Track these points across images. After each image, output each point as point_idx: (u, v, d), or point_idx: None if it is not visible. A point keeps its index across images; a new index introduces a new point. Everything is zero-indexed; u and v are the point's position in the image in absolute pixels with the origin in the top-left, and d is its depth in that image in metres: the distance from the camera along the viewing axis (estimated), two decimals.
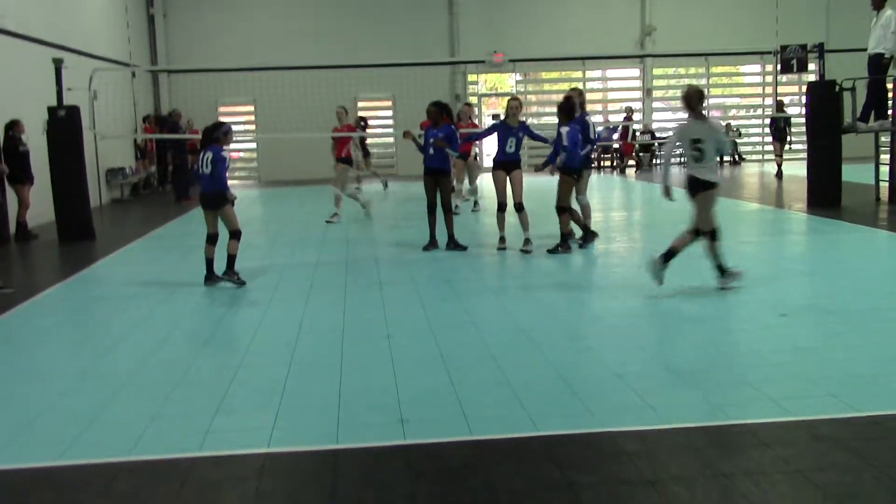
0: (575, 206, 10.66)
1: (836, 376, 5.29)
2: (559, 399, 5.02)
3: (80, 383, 5.71)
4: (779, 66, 16.06)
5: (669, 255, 7.67)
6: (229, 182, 8.86)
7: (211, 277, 8.82)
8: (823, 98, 13.87)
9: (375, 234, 12.91)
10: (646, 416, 4.68)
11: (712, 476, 3.89)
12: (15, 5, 14.63)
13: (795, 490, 3.78)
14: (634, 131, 24.79)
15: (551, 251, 10.16)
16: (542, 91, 27.99)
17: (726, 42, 22.95)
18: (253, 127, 24.26)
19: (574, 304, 7.85)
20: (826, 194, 13.70)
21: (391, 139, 25.76)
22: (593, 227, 11.03)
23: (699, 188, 7.62)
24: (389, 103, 25.17)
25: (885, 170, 14.35)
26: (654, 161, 25.25)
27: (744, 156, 25.72)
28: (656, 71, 26.58)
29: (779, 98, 22.50)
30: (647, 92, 26.28)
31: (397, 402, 5.02)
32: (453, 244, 10.64)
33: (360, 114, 22.17)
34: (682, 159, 7.80)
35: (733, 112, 27.85)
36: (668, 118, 27.33)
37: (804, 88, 16.60)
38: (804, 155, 16.41)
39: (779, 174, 20.33)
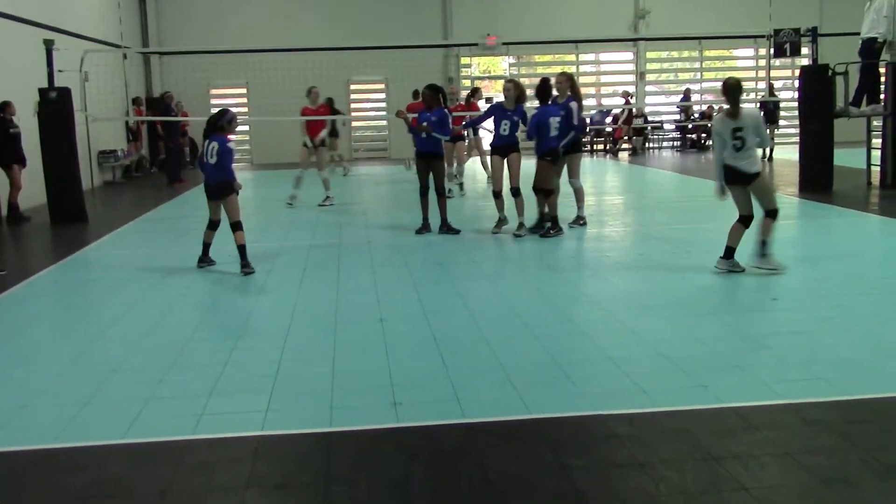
0: (567, 189, 10.68)
1: (825, 360, 5.33)
2: (552, 382, 5.06)
3: (74, 366, 5.72)
4: (772, 50, 16.03)
5: (764, 246, 7.71)
6: None
7: (205, 260, 8.82)
8: (816, 82, 13.89)
9: (368, 217, 12.91)
10: (637, 400, 4.71)
11: (702, 459, 3.93)
12: None
13: (784, 472, 3.83)
14: (632, 115, 24.75)
15: (544, 235, 10.18)
16: (536, 74, 27.83)
17: (720, 26, 22.92)
18: (245, 109, 24.16)
19: (567, 287, 7.88)
20: (818, 178, 13.74)
21: (384, 122, 25.71)
22: (585, 213, 11.05)
23: (745, 179, 7.63)
24: (382, 86, 25.09)
25: (876, 154, 14.39)
26: (646, 145, 25.26)
27: None
28: (650, 54, 26.53)
29: (770, 82, 22.48)
30: (641, 75, 26.25)
31: (390, 385, 5.05)
32: (446, 228, 10.65)
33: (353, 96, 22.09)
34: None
35: None
36: (661, 102, 27.34)
37: (797, 73, 16.59)
38: (796, 139, 16.45)
39: (768, 157, 20.47)
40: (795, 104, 16.27)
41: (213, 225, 8.78)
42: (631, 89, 25.73)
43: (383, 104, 25.32)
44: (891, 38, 13.54)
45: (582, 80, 26.95)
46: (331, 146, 13.99)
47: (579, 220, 10.95)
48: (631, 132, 24.74)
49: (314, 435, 4.39)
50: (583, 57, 26.61)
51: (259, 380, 5.23)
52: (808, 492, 3.65)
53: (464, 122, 14.34)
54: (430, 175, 10.63)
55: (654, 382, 4.96)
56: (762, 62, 24.64)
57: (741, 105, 7.59)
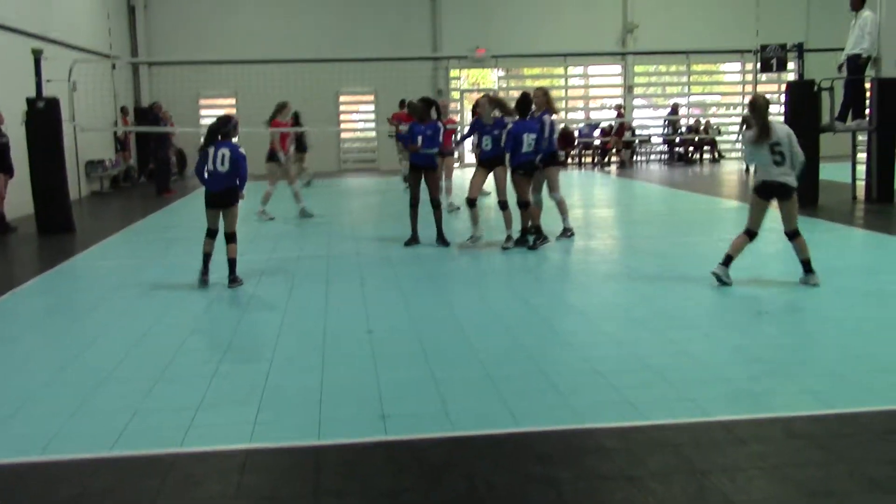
0: (549, 202, 10.75)
1: (812, 373, 5.37)
2: (540, 394, 5.07)
3: (60, 377, 5.70)
4: (758, 65, 16.17)
5: (808, 266, 7.78)
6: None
7: (206, 273, 8.47)
8: (802, 97, 13.99)
9: (357, 229, 12.91)
10: (625, 412, 4.73)
11: (689, 472, 3.94)
12: None
13: (771, 486, 3.85)
14: (623, 127, 24.84)
15: (531, 247, 10.21)
16: (525, 87, 27.97)
17: (707, 40, 23.08)
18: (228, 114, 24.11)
19: (555, 299, 7.90)
20: (804, 193, 13.72)
21: (373, 133, 25.74)
22: (571, 224, 11.10)
23: (788, 193, 7.69)
24: (371, 98, 25.14)
25: (861, 169, 14.51)
26: (634, 158, 25.39)
27: (723, 154, 25.90)
28: (638, 68, 26.69)
29: (751, 97, 22.73)
30: (629, 89, 26.39)
31: (379, 397, 5.05)
32: (441, 240, 10.61)
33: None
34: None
35: (713, 110, 28.04)
36: (649, 115, 27.50)
37: (783, 87, 16.73)
38: None
39: (747, 170, 20.72)
40: (782, 118, 16.41)
41: (212, 234, 8.52)
42: (620, 102, 25.88)
43: (372, 115, 25.36)
44: (874, 54, 13.70)
45: (570, 93, 27.22)
46: (297, 160, 13.89)
47: (566, 232, 10.99)
48: (621, 145, 24.86)
49: (302, 448, 4.38)
50: (571, 70, 26.74)
51: (247, 392, 5.22)
52: None
53: (453, 137, 14.35)
54: (423, 187, 10.61)
55: (642, 395, 4.98)
56: (749, 77, 24.91)
57: (771, 121, 7.65)
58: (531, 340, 6.30)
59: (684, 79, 27.21)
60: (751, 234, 7.87)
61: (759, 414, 4.66)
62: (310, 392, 5.17)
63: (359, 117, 26.72)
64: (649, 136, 26.35)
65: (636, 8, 25.58)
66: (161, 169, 19.21)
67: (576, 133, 25.57)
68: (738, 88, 27.12)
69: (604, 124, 25.67)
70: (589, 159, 25.71)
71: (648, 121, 27.23)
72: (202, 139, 8.63)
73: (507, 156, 10.27)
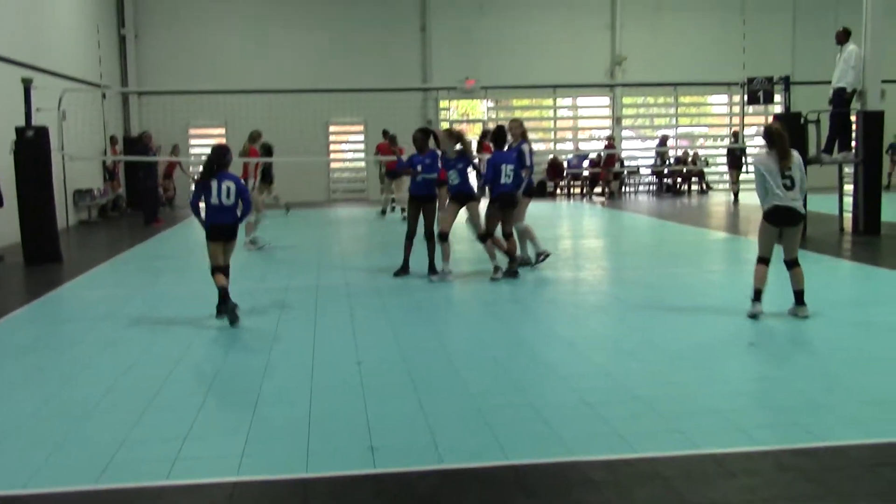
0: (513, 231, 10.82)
1: (801, 405, 5.36)
2: (528, 426, 5.05)
3: (46, 408, 5.64)
4: (746, 97, 16.34)
5: (800, 297, 7.81)
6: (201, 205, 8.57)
7: (228, 303, 8.04)
8: (789, 129, 14.02)
9: (345, 259, 12.90)
10: (614, 444, 4.71)
11: None
12: None
13: None
14: (613, 158, 25.00)
15: (511, 275, 10.26)
16: (514, 117, 28.17)
17: (694, 73, 23.34)
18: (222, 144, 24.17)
19: (544, 330, 7.89)
20: None
21: (362, 164, 25.79)
22: (543, 246, 11.18)
23: (798, 220, 7.73)
24: (361, 128, 25.24)
25: (848, 201, 14.62)
26: (622, 189, 25.53)
27: (710, 185, 26.08)
28: (626, 100, 26.92)
29: (734, 129, 23.10)
30: (617, 120, 26.60)
31: (367, 429, 5.02)
32: (432, 271, 10.57)
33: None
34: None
35: (701, 141, 28.25)
36: (637, 146, 27.69)
37: (770, 119, 16.89)
38: None
39: (735, 200, 21.55)
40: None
41: (220, 269, 8.22)
42: (610, 133, 26.06)
43: (362, 146, 25.45)
44: (859, 87, 13.87)
45: (559, 123, 27.40)
46: (262, 189, 13.90)
47: (539, 256, 10.98)
48: (611, 176, 25.00)
49: (290, 480, 4.35)
50: (560, 101, 26.95)
51: (234, 423, 5.18)
52: None
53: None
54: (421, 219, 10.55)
55: (630, 427, 4.97)
56: (736, 109, 25.15)
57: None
58: (520, 371, 6.29)
59: (672, 110, 27.46)
60: (765, 261, 7.85)
61: (749, 447, 4.65)
62: (298, 423, 5.14)
63: (348, 147, 26.81)
64: (637, 167, 26.52)
65: (624, 40, 25.85)
66: (149, 199, 19.18)
67: (565, 164, 25.73)
68: (726, 120, 27.37)
69: (592, 155, 25.83)
70: (578, 190, 25.83)
71: (637, 152, 27.42)
72: (191, 168, 8.55)
73: (487, 187, 10.36)
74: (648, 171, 26.48)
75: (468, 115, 27.87)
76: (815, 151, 14.18)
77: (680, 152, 26.40)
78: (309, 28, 24.45)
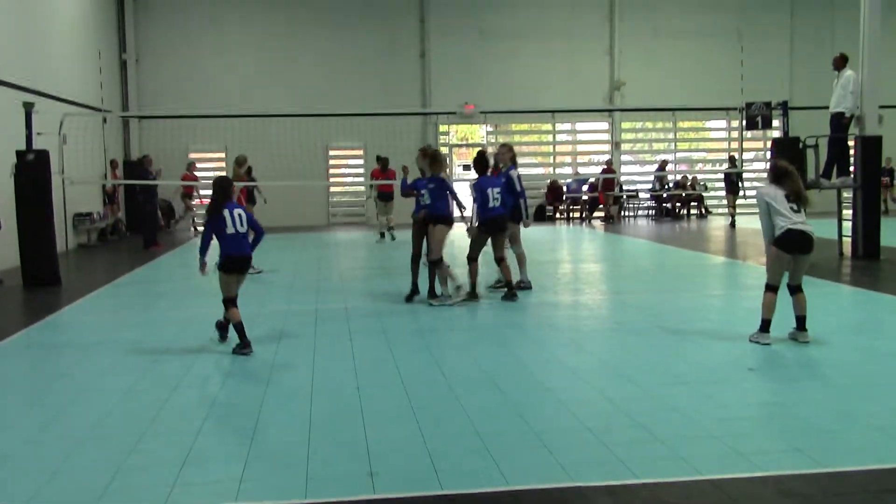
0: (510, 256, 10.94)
1: (803, 431, 5.33)
2: (529, 452, 5.02)
3: (42, 433, 5.61)
4: (744, 122, 16.40)
5: (802, 322, 7.80)
6: (200, 229, 8.54)
7: (246, 342, 7.88)
8: (788, 154, 14.14)
9: (344, 283, 12.89)
10: (615, 470, 4.68)
11: None
12: None
13: None
14: (612, 182, 25.06)
15: (509, 298, 10.38)
16: (513, 142, 28.24)
17: (693, 98, 23.45)
18: (224, 174, 24.19)
19: (544, 355, 7.85)
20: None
21: (361, 188, 25.83)
22: (528, 277, 11.29)
23: (811, 246, 7.70)
24: (361, 152, 25.31)
25: (847, 225, 14.63)
26: (621, 213, 25.58)
27: (709, 209, 26.14)
28: (625, 125, 27.04)
29: (731, 153, 23.23)
30: (616, 145, 26.69)
31: (367, 454, 4.99)
32: (433, 295, 10.53)
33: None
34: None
35: (699, 166, 28.33)
36: (636, 171, 27.77)
37: (769, 144, 16.95)
38: None
39: (732, 224, 21.71)
40: (765, 175, 16.61)
41: (235, 301, 8.10)
42: (609, 158, 26.13)
43: (361, 170, 25.50)
44: (857, 112, 13.93)
45: (558, 148, 27.49)
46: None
47: (520, 284, 10.99)
48: (610, 200, 25.06)
49: None
50: (559, 126, 27.05)
51: (233, 448, 5.16)
52: None
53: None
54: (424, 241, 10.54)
55: (632, 453, 4.94)
56: (734, 133, 25.25)
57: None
58: (520, 396, 6.26)
59: (671, 135, 27.56)
60: (774, 289, 7.78)
61: (751, 473, 4.61)
62: (297, 449, 5.11)
63: (348, 171, 26.86)
64: (636, 191, 26.58)
65: (623, 66, 26.00)
66: (148, 222, 19.18)
67: (564, 188, 25.78)
68: (724, 145, 27.46)
69: (592, 179, 25.89)
70: (577, 214, 25.87)
71: (636, 176, 27.50)
72: (198, 199, 8.48)
73: (476, 211, 10.44)
74: (647, 195, 26.53)
75: (468, 140, 27.96)
76: (813, 176, 14.21)
77: (679, 177, 26.47)
78: (309, 53, 24.60)
